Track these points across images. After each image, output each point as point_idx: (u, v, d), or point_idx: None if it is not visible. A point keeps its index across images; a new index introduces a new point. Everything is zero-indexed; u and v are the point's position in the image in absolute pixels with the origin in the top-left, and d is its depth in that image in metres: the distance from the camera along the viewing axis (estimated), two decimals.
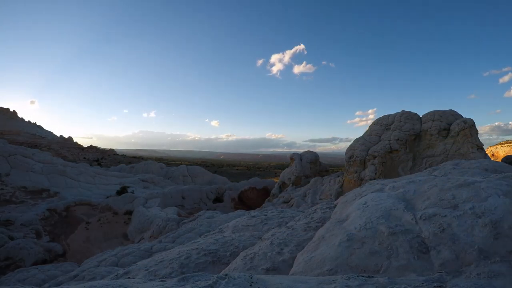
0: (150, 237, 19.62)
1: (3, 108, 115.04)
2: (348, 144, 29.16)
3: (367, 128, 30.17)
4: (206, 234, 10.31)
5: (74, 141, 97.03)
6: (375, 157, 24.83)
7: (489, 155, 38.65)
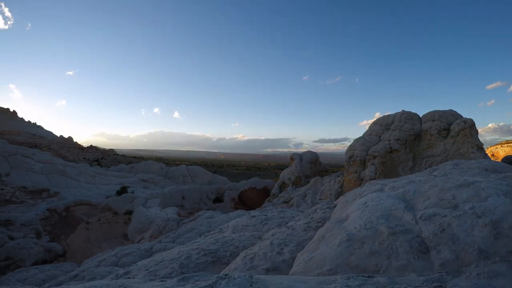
0: (150, 237, 19.61)
1: (3, 108, 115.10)
2: None
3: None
4: (206, 234, 10.31)
5: (74, 141, 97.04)
6: (375, 157, 24.82)
7: (489, 155, 38.64)
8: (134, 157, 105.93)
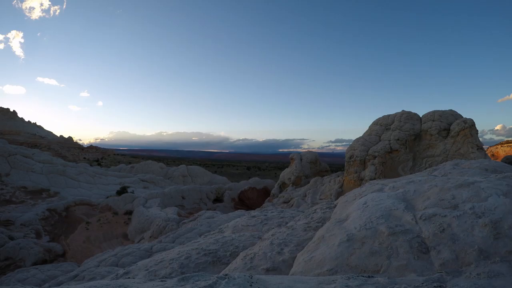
0: (150, 237, 19.62)
1: (3, 108, 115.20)
2: None
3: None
4: (206, 234, 10.32)
5: (74, 141, 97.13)
6: (375, 157, 24.83)
7: (489, 155, 38.62)
8: (134, 157, 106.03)
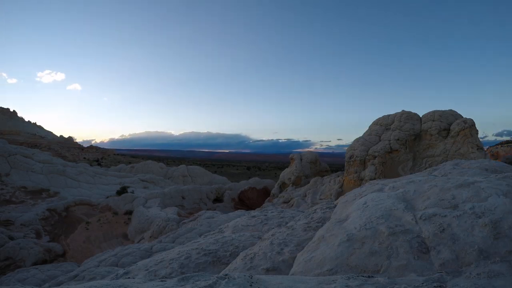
0: (150, 237, 19.62)
1: (3, 108, 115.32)
2: None
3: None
4: (206, 234, 10.32)
5: (75, 141, 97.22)
6: (375, 157, 24.83)
7: (489, 155, 38.63)
8: (134, 156, 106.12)
